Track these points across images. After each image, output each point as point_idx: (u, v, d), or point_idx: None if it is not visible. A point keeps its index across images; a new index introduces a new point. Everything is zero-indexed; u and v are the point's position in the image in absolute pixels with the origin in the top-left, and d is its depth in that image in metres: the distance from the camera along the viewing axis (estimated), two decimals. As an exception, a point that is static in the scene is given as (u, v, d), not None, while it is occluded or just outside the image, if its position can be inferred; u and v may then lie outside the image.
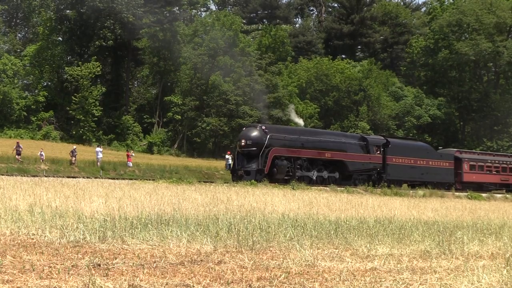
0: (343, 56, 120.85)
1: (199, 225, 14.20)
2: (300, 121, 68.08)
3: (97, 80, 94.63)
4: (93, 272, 8.93)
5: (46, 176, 37.66)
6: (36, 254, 10.12)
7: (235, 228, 13.98)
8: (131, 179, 42.07)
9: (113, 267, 9.43)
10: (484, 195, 50.32)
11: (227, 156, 66.13)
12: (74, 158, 55.52)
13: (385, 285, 9.08)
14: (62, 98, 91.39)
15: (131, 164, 58.42)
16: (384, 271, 10.33)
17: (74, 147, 59.95)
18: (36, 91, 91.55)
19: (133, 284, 8.35)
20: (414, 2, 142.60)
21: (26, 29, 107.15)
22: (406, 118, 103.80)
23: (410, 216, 22.90)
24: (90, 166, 55.11)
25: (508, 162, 66.64)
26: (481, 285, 9.25)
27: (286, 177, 45.77)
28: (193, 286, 8.45)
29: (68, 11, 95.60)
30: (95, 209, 16.79)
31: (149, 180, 39.96)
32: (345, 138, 53.90)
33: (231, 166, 52.82)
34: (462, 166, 61.92)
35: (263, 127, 46.98)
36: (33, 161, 52.36)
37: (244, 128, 50.44)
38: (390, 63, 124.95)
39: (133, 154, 63.14)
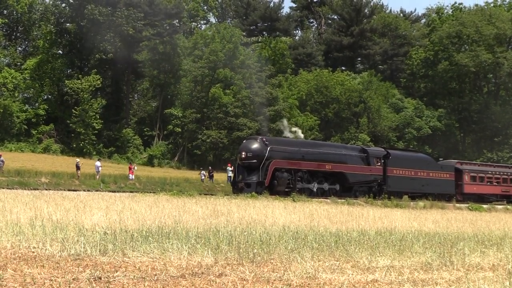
0: (343, 68, 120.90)
1: (200, 237, 14.19)
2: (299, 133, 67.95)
3: (97, 93, 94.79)
4: (94, 285, 8.93)
5: (46, 190, 37.64)
6: (37, 267, 10.12)
7: (235, 241, 13.97)
8: (131, 191, 42.01)
9: (114, 280, 9.42)
10: (485, 206, 50.22)
11: (228, 168, 66.23)
12: (78, 171, 55.61)
13: (386, 297, 9.07)
14: (62, 111, 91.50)
15: (132, 177, 58.43)
16: (385, 283, 10.32)
17: (78, 160, 59.96)
18: (37, 104, 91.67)
19: (134, 297, 8.35)
20: (414, 13, 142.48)
21: (26, 42, 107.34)
22: (406, 130, 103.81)
23: (411, 227, 22.89)
24: (91, 179, 55.11)
25: (509, 173, 66.56)
26: (483, 296, 9.25)
27: (286, 189, 45.67)
28: (194, 299, 8.45)
29: (68, 24, 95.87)
30: (96, 222, 16.79)
31: (150, 192, 39.92)
32: (345, 150, 53.85)
33: (232, 178, 52.84)
34: (463, 178, 61.88)
35: (264, 139, 46.92)
36: (33, 174, 52.30)
37: (244, 141, 50.39)
38: (390, 75, 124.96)
39: (135, 168, 63.11)
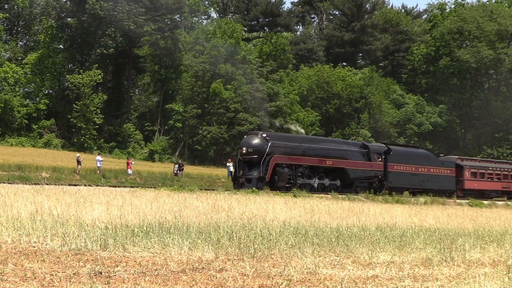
0: (344, 63, 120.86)
1: (201, 232, 14.20)
2: (300, 130, 67.93)
3: (98, 88, 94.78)
4: (95, 280, 8.94)
5: (47, 184, 37.65)
6: (38, 262, 10.13)
7: (236, 236, 13.98)
8: (132, 187, 42.05)
9: (115, 275, 9.43)
10: (485, 202, 50.23)
11: (228, 164, 66.18)
12: (79, 166, 55.58)
13: (387, 292, 9.08)
14: (63, 106, 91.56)
15: (131, 172, 58.42)
16: (385, 278, 10.33)
17: (78, 155, 59.94)
18: (38, 99, 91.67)
19: (134, 291, 8.35)
20: (415, 9, 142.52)
21: (27, 37, 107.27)
22: (407, 126, 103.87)
23: (411, 223, 22.90)
24: (92, 174, 55.11)
25: (510, 170, 66.55)
26: (483, 292, 9.25)
27: (287, 185, 45.63)
28: (195, 294, 8.46)
29: (69, 19, 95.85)
30: (97, 217, 16.80)
31: (151, 188, 39.94)
32: (346, 146, 53.78)
33: (233, 173, 52.78)
34: (464, 174, 61.84)
35: (264, 135, 46.84)
36: (34, 169, 52.32)
37: (245, 136, 50.34)
38: (391, 71, 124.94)
39: (133, 162, 62.95)
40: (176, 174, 63.87)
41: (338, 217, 23.96)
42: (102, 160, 58.52)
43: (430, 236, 17.23)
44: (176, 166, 67.02)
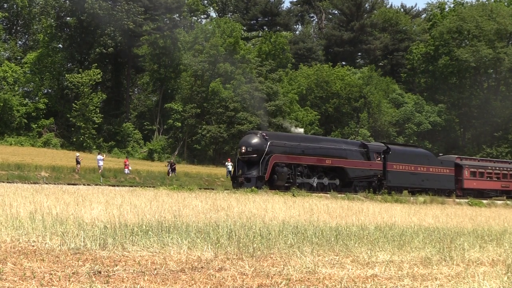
0: (344, 63, 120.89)
1: (200, 232, 14.19)
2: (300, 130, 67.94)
3: (98, 87, 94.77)
4: (94, 279, 8.93)
5: (46, 183, 37.62)
6: (37, 261, 10.12)
7: (235, 235, 13.97)
8: (131, 186, 42.03)
9: (114, 274, 9.43)
10: (484, 201, 50.22)
11: (227, 163, 66.15)
12: (78, 166, 55.53)
13: (386, 292, 9.07)
14: (62, 105, 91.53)
15: (127, 171, 58.17)
16: (384, 278, 10.33)
17: (78, 154, 59.82)
18: (37, 98, 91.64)
19: (133, 291, 8.35)
20: (415, 8, 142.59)
21: (27, 36, 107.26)
22: (406, 125, 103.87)
23: (410, 222, 22.89)
24: (91, 173, 55.03)
25: (509, 169, 66.57)
26: (482, 291, 9.25)
27: (286, 184, 45.64)
28: (194, 293, 8.45)
29: (68, 18, 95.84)
30: (96, 216, 16.78)
31: (150, 187, 39.92)
32: (345, 145, 53.77)
33: (232, 173, 52.82)
34: (463, 173, 61.86)
35: (264, 134, 46.84)
36: (33, 168, 52.27)
37: (244, 135, 50.33)
38: (390, 70, 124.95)
39: (130, 168, 61.39)
40: (168, 174, 63.53)
41: (337, 216, 23.94)
42: (103, 159, 58.46)
43: (429, 236, 17.23)
44: (169, 166, 66.87)
